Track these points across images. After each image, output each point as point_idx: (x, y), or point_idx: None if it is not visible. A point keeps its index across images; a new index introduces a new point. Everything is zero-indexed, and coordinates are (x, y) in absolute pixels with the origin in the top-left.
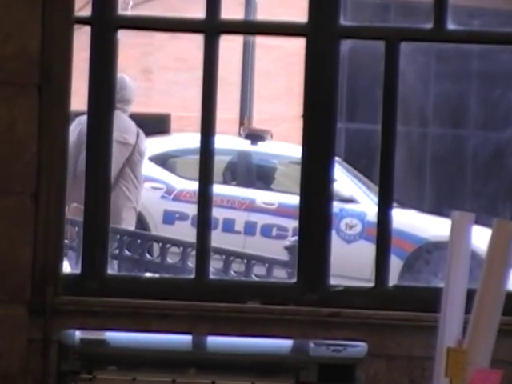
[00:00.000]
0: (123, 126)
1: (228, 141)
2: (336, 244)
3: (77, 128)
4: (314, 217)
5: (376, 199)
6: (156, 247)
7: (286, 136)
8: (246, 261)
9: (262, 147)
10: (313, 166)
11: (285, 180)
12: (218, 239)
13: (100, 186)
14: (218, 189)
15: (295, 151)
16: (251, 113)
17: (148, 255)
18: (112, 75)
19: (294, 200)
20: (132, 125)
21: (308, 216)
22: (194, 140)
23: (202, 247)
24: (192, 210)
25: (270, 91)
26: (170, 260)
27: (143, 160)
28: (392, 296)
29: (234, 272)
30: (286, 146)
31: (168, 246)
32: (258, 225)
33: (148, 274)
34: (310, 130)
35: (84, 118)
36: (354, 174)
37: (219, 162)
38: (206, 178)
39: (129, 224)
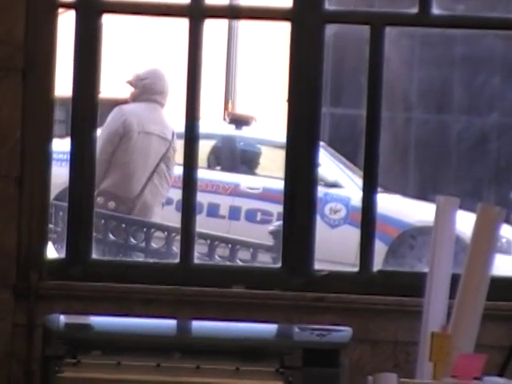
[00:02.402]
0: (163, 120)
1: (212, 125)
2: (320, 229)
3: (120, 118)
4: (298, 201)
5: (360, 184)
6: (141, 232)
7: (271, 121)
8: (230, 245)
9: (246, 132)
10: (297, 151)
11: (269, 165)
12: (202, 224)
13: (85, 170)
14: (203, 173)
15: (280, 136)
16: (235, 97)
17: (133, 240)
18: (96, 60)
19: (279, 185)
20: (168, 121)
21: (292, 201)
22: (178, 124)
23: (187, 232)
24: (176, 194)
25: (254, 75)
26: (154, 245)
27: (175, 157)
28: (376, 281)
29: (219, 257)
30: (270, 131)
31: (152, 230)
32: (242, 209)
33: (132, 259)
34: (294, 114)
35: (128, 107)
36: (338, 159)
37: (204, 147)
38: (190, 163)
39: (156, 219)
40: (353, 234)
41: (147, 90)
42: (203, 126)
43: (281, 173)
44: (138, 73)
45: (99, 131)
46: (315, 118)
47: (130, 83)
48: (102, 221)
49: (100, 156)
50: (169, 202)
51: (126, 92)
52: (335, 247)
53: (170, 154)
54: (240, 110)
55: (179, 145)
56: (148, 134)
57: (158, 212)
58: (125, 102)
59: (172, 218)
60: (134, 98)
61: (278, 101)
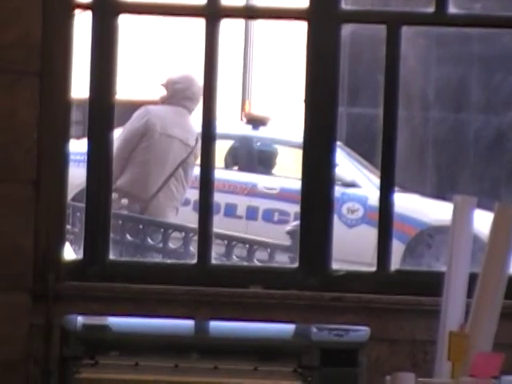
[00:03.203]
0: (187, 126)
1: (229, 125)
2: (338, 228)
3: (143, 117)
4: (315, 201)
5: (378, 183)
6: (158, 232)
7: (287, 121)
8: (247, 246)
9: (263, 132)
10: (314, 151)
11: (286, 165)
12: (219, 224)
13: (102, 170)
14: (220, 174)
15: (296, 136)
16: (252, 97)
17: (150, 240)
18: (113, 61)
19: (296, 185)
20: (194, 127)
21: (310, 201)
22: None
23: (204, 232)
24: (194, 195)
25: (271, 75)
26: (172, 245)
27: (194, 165)
28: (394, 280)
29: (236, 257)
30: (287, 131)
31: (170, 231)
32: (259, 209)
33: (150, 260)
34: (311, 114)
35: (153, 108)
36: (355, 159)
37: (221, 147)
38: (207, 163)
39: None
40: (370, 234)
41: (178, 94)
42: (220, 127)
43: (298, 173)
44: (172, 76)
45: (119, 131)
46: (332, 118)
47: (163, 86)
48: (120, 221)
49: (119, 154)
50: (186, 202)
51: (144, 94)
52: (353, 247)
53: (191, 160)
54: (257, 110)
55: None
56: (170, 137)
57: (170, 216)
58: (151, 103)
59: (189, 218)
60: (164, 101)
61: (295, 100)
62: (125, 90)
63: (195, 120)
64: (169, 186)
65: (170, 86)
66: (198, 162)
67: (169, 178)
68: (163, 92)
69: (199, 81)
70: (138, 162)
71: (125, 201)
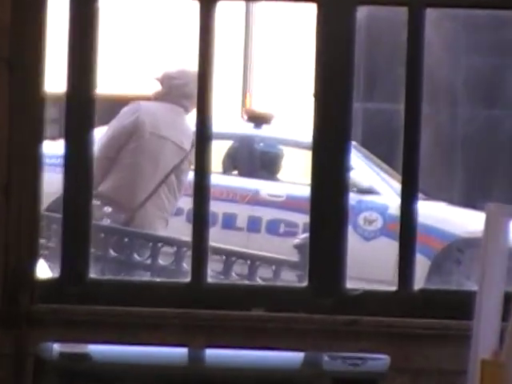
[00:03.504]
0: (183, 127)
1: (228, 124)
2: (353, 241)
3: (133, 113)
4: (327, 210)
5: (399, 190)
6: (146, 247)
7: (294, 118)
8: (249, 262)
9: (266, 131)
10: (325, 152)
11: (293, 168)
12: (217, 237)
13: (81, 175)
14: (217, 179)
15: (305, 135)
16: (253, 91)
17: (137, 256)
18: (93, 51)
19: (305, 191)
20: (190, 129)
21: (320, 210)
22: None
23: (199, 246)
24: (187, 203)
25: (275, 67)
26: (162, 261)
27: (189, 172)
28: (418, 301)
29: (236, 275)
30: (294, 130)
31: (160, 245)
32: (262, 220)
33: (137, 278)
34: (321, 110)
35: (145, 104)
36: (373, 161)
37: (218, 148)
38: (202, 167)
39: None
40: (390, 248)
41: (175, 91)
42: (217, 125)
43: (307, 178)
44: (169, 71)
45: (102, 130)
46: (346, 114)
47: (158, 80)
48: (102, 234)
49: (103, 153)
50: (179, 212)
51: (133, 88)
52: (370, 263)
53: (185, 166)
54: (259, 105)
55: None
56: (162, 139)
57: (160, 228)
58: (141, 99)
59: (182, 230)
60: (158, 98)
61: (303, 95)
62: (108, 83)
63: (192, 121)
64: (159, 194)
65: (165, 81)
66: (193, 167)
67: (159, 185)
68: (157, 87)
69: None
70: (124, 164)
71: (108, 209)
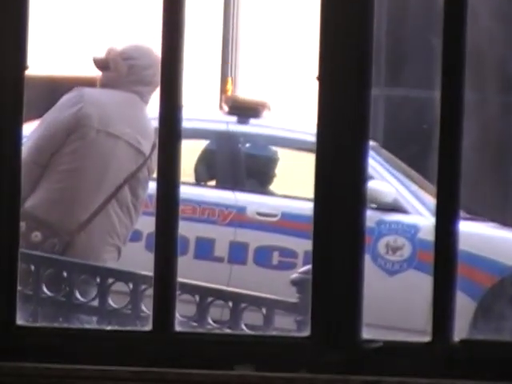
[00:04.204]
0: (141, 122)
1: (203, 117)
2: (372, 276)
3: (74, 104)
4: (336, 235)
5: (433, 206)
6: (91, 284)
7: (292, 110)
8: (231, 304)
9: (254, 127)
10: (334, 156)
11: (291, 177)
12: (188, 270)
13: (5, 186)
14: (188, 192)
15: (307, 133)
16: (237, 75)
17: (79, 296)
18: (21, 20)
19: (306, 209)
20: (151, 126)
21: (327, 233)
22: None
23: (164, 283)
24: (147, 225)
25: (264, 44)
26: (113, 303)
27: (149, 183)
28: (458, 356)
29: (214, 321)
30: (291, 125)
31: (110, 281)
32: (249, 247)
33: (79, 325)
34: (328, 99)
35: (91, 92)
36: (398, 168)
37: (189, 151)
38: (168, 176)
39: None
40: (421, 285)
41: (131, 76)
42: (188, 119)
43: (309, 190)
44: (121, 48)
45: (34, 124)
46: (361, 105)
47: (107, 61)
48: (32, 266)
49: (31, 156)
50: (136, 236)
51: (75, 69)
52: (394, 305)
53: (143, 176)
54: (244, 92)
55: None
56: (112, 138)
57: (108, 260)
58: (87, 84)
59: (140, 261)
60: (107, 84)
61: (302, 79)
62: (44, 63)
63: (153, 113)
64: (108, 213)
65: (117, 61)
66: (155, 176)
67: (108, 201)
68: (105, 70)
69: (156, 54)
70: (60, 172)
71: (36, 235)
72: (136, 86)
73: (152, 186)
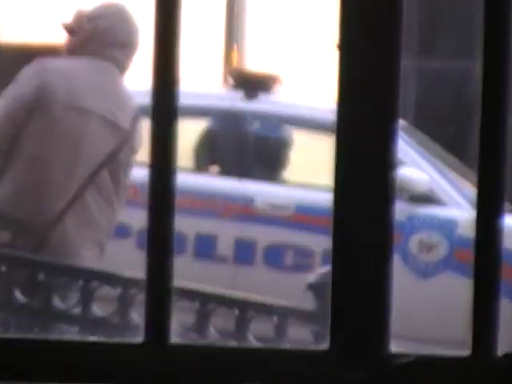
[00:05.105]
0: (118, 93)
1: (204, 92)
2: (402, 279)
3: (34, 77)
4: (359, 230)
5: (473, 197)
6: (72, 287)
7: (308, 83)
8: (237, 311)
9: (263, 104)
10: (357, 138)
11: (307, 163)
12: (186, 271)
13: None
14: (187, 180)
15: (325, 111)
16: (243, 44)
17: (58, 302)
18: None
19: (324, 200)
20: (129, 97)
21: (349, 229)
22: (144, 94)
23: (158, 287)
24: (138, 219)
25: (274, 4)
26: (98, 310)
27: (132, 163)
28: (501, 372)
29: (217, 332)
30: (307, 102)
31: (94, 284)
32: (258, 245)
33: (59, 336)
34: (350, 71)
35: (54, 64)
36: (432, 152)
37: (188, 132)
38: (161, 161)
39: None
40: (460, 289)
41: (99, 37)
42: (186, 95)
43: (328, 178)
44: (86, 9)
45: None
46: (389, 78)
47: (69, 27)
48: (2, 267)
49: None
50: (124, 232)
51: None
52: (428, 313)
53: (124, 156)
54: (252, 64)
55: (142, 140)
56: (83, 113)
57: (90, 259)
58: (49, 53)
59: (130, 260)
60: (73, 51)
61: (319, 49)
62: (18, 29)
63: (133, 82)
64: (85, 202)
65: (82, 24)
66: (140, 158)
67: (84, 188)
68: (71, 35)
69: (132, 14)
70: (25, 159)
71: (4, 234)
72: (107, 50)
73: (144, 174)
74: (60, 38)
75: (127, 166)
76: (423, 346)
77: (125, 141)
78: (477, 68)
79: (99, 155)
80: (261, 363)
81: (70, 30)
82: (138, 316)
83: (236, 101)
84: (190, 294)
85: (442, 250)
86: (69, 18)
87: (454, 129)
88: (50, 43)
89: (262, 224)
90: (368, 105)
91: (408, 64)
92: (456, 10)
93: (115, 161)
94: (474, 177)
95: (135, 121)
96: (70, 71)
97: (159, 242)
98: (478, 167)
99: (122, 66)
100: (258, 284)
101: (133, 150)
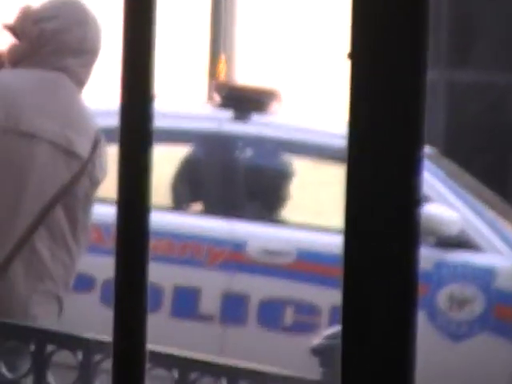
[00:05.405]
0: (71, 113)
1: (185, 112)
2: (429, 342)
3: None
4: (376, 282)
5: None
6: (22, 353)
7: (311, 101)
8: (225, 381)
9: (258, 126)
10: (373, 169)
11: (311, 199)
12: (162, 333)
13: None
14: (163, 220)
15: (333, 135)
16: (232, 52)
17: (5, 371)
18: None
19: (332, 245)
20: (88, 116)
21: (364, 281)
22: (110, 114)
23: (127, 352)
24: (103, 268)
25: (267, 9)
26: (53, 382)
27: (93, 199)
28: None
29: None
30: (311, 125)
31: (50, 348)
32: (251, 301)
33: None
34: (365, 86)
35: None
36: (466, 186)
37: (165, 161)
38: (132, 198)
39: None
40: (500, 353)
41: (47, 43)
42: (163, 115)
43: (336, 217)
44: (35, 7)
45: None
46: (413, 95)
47: (12, 29)
48: None
49: None
50: (86, 283)
51: None
52: (461, 383)
53: (83, 189)
54: (243, 77)
55: (111, 160)
56: (27, 138)
57: (42, 316)
58: None
59: (94, 320)
60: (18, 60)
61: (324, 59)
62: None
63: (95, 100)
64: (33, 247)
65: (25, 25)
66: (103, 192)
67: (32, 230)
68: (15, 38)
69: (91, 12)
70: None
71: None
72: (58, 60)
73: (109, 212)
74: None
75: (87, 201)
76: None
77: (82, 171)
78: None
79: (50, 189)
80: None
81: (12, 32)
82: None
83: (224, 122)
84: (167, 361)
85: (477, 307)
86: (12, 18)
87: (492, 156)
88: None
89: (255, 274)
90: (386, 128)
91: (436, 77)
92: (493, 13)
93: (71, 195)
94: None
95: (96, 146)
96: (11, 87)
97: (129, 297)
98: None
99: (78, 79)
100: (250, 348)
101: (93, 182)
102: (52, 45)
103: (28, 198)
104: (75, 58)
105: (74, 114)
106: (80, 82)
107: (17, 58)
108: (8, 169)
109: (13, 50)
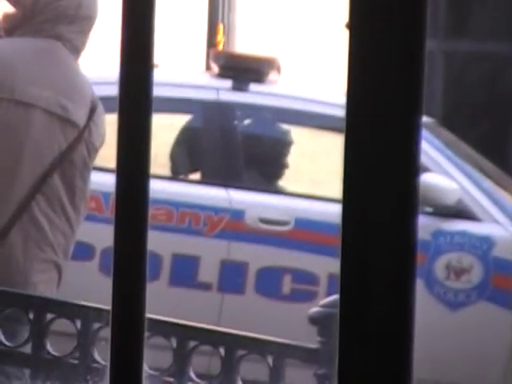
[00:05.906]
0: (66, 81)
1: (183, 81)
2: (427, 311)
3: None
4: (374, 251)
5: None
6: (20, 321)
7: (310, 70)
8: (223, 350)
9: (257, 96)
10: (371, 138)
11: (309, 168)
12: (161, 302)
13: None
14: (162, 189)
15: (332, 104)
16: (231, 20)
17: (3, 339)
18: None
19: (329, 213)
20: (85, 83)
21: (362, 249)
22: (110, 85)
23: (126, 320)
24: (102, 237)
25: None
26: (51, 350)
27: (92, 163)
28: None
29: (198, 376)
30: (310, 94)
31: (49, 317)
32: (249, 269)
33: (4, 382)
34: (363, 56)
35: None
36: (464, 155)
37: (164, 130)
38: (131, 167)
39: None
40: (497, 322)
41: (42, 10)
42: (162, 84)
43: (335, 186)
44: None
45: None
46: (411, 65)
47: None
48: None
49: None
50: (85, 252)
51: None
52: (459, 352)
53: (80, 157)
54: (242, 46)
55: (109, 129)
56: (22, 107)
57: (41, 284)
58: None
59: (93, 288)
60: (12, 29)
61: (324, 28)
62: None
63: (94, 69)
64: (32, 215)
65: None
66: (101, 161)
67: (30, 198)
68: (7, 10)
69: None
70: None
71: None
72: (53, 27)
73: (108, 181)
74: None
75: (84, 168)
76: None
77: (79, 138)
78: None
79: (47, 157)
80: None
81: (7, 0)
82: (102, 356)
83: (222, 92)
84: (165, 329)
85: (475, 276)
86: None
87: (490, 126)
88: None
89: (253, 243)
90: (384, 97)
91: (434, 47)
92: None
93: (68, 163)
94: None
95: (92, 113)
96: (4, 56)
97: (128, 265)
98: None
99: (74, 47)
100: (248, 317)
101: (90, 149)
102: (47, 12)
103: (25, 167)
104: (70, 25)
105: (69, 82)
106: (76, 49)
107: (11, 27)
108: (4, 138)
109: (7, 19)
